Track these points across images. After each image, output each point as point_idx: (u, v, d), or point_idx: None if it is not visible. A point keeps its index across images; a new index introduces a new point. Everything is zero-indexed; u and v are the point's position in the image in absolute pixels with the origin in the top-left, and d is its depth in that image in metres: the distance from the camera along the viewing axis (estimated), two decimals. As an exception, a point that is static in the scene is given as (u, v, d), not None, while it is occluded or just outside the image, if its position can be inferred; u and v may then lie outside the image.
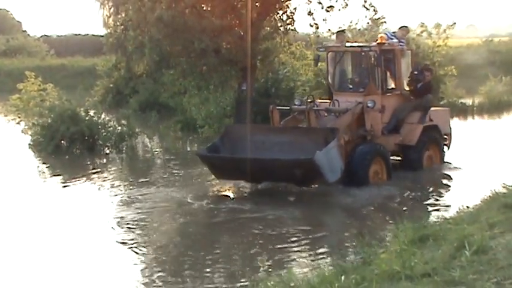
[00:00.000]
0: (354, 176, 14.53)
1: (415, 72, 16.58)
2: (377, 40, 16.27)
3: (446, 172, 16.47)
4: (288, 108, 16.61)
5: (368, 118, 15.38)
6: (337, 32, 18.12)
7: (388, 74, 16.38)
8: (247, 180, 15.13)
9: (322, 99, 17.17)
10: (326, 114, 15.87)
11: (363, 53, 16.42)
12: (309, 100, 15.91)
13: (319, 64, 18.55)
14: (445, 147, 17.20)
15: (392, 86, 16.45)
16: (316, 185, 14.78)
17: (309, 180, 14.28)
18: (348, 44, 17.48)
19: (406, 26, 17.40)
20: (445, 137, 17.17)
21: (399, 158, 16.45)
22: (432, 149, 16.71)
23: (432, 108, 17.05)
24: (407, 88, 16.59)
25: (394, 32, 17.06)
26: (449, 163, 17.01)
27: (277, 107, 16.41)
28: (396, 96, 16.40)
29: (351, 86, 16.74)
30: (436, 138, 16.80)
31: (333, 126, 14.79)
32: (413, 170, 16.06)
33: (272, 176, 14.51)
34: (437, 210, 12.64)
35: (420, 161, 16.29)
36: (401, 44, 16.55)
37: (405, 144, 16.15)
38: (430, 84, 17.04)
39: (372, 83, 15.92)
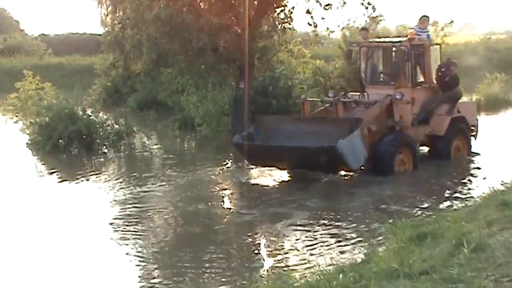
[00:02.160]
0: (380, 165, 15.34)
1: (443, 69, 17.25)
2: (407, 35, 17.11)
3: (463, 166, 16.92)
4: (320, 100, 17.76)
5: (396, 110, 16.10)
6: (361, 29, 19.31)
7: (417, 67, 17.11)
8: (278, 167, 16.06)
9: (354, 92, 17.67)
10: (354, 106, 16.62)
11: (394, 48, 17.43)
12: (342, 93, 16.96)
13: (351, 59, 18.95)
14: (472, 138, 17.80)
15: (422, 79, 17.18)
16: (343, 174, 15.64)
17: (334, 166, 15.03)
18: (379, 40, 18.72)
19: (426, 16, 18.00)
20: (472, 128, 17.80)
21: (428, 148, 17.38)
22: (460, 139, 17.37)
23: (459, 101, 17.66)
24: (435, 81, 17.27)
25: (420, 27, 17.63)
26: (478, 154, 17.64)
27: (308, 99, 17.66)
28: (425, 89, 17.16)
29: (382, 80, 17.61)
30: (464, 129, 17.48)
31: (359, 117, 15.60)
32: (442, 159, 16.81)
33: (300, 163, 15.43)
34: (436, 207, 12.60)
35: (448, 151, 17.00)
36: (429, 34, 17.59)
37: (434, 135, 16.89)
38: (457, 78, 17.51)
39: (402, 77, 16.68)
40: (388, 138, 15.63)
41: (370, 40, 18.11)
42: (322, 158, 14.52)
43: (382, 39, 19.08)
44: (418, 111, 16.81)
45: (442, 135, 16.86)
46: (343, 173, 15.72)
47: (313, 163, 14.90)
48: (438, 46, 18.23)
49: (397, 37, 19.57)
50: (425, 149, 17.56)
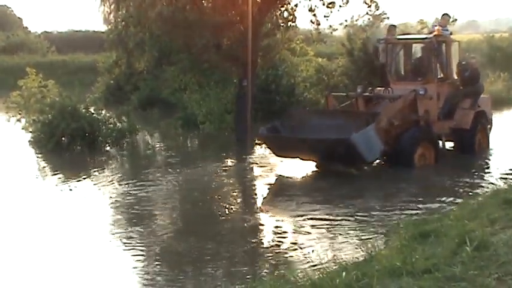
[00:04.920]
0: (400, 158, 15.82)
1: (463, 62, 17.76)
2: (433, 32, 17.61)
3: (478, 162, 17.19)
4: (345, 94, 18.17)
5: (420, 104, 16.48)
6: (389, 26, 19.51)
7: (439, 64, 17.48)
8: (301, 159, 16.17)
9: (381, 87, 17.95)
10: (377, 101, 17.15)
11: (421, 45, 17.96)
12: (370, 88, 17.60)
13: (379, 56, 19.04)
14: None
15: (441, 75, 17.53)
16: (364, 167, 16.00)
17: (350, 159, 15.16)
18: (406, 36, 19.17)
19: (447, 14, 18.66)
20: None
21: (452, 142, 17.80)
22: (481, 133, 17.83)
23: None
24: (456, 77, 17.68)
25: (441, 24, 18.16)
26: (492, 149, 18.16)
27: (332, 93, 18.22)
28: (448, 84, 17.53)
29: (408, 75, 18.04)
30: (484, 123, 18.00)
31: (380, 111, 16.10)
32: (467, 153, 17.25)
33: (317, 155, 15.70)
34: (440, 206, 12.57)
35: (473, 144, 17.48)
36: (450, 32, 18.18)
37: (459, 128, 17.31)
38: (478, 72, 17.96)
39: (430, 73, 17.18)
40: (408, 133, 16.04)
41: (396, 37, 18.49)
42: (337, 150, 14.85)
43: (407, 36, 19.51)
44: (442, 106, 17.24)
45: (468, 128, 17.29)
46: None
47: (330, 155, 15.22)
48: (457, 43, 18.49)
49: (417, 34, 20.15)
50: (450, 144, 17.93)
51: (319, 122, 16.25)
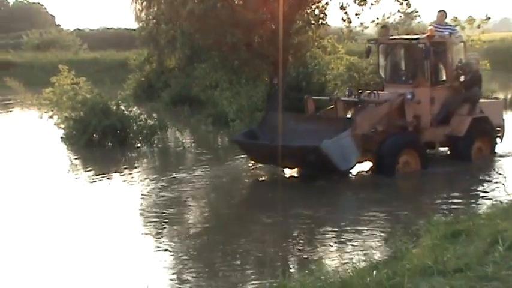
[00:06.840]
0: (381, 165, 15.02)
1: (460, 65, 16.69)
2: (427, 32, 16.52)
3: (489, 165, 16.53)
4: (328, 98, 17.56)
5: (408, 110, 15.58)
6: (382, 26, 19.01)
7: (440, 66, 16.59)
8: (276, 165, 15.71)
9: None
10: (360, 106, 16.17)
11: (412, 46, 16.75)
12: (359, 91, 16.81)
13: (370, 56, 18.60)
14: (498, 139, 17.32)
15: (444, 78, 16.66)
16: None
17: (323, 166, 14.39)
18: (398, 37, 18.23)
19: (442, 10, 17.46)
20: (498, 128, 17.26)
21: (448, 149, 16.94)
22: (482, 140, 16.76)
23: (483, 100, 17.25)
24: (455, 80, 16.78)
25: (438, 23, 17.22)
26: (508, 155, 17.25)
27: (312, 97, 17.17)
28: (446, 88, 16.58)
29: (401, 78, 17.15)
30: (487, 130, 16.87)
31: (363, 115, 15.26)
32: (462, 160, 16.26)
33: (293, 162, 15.20)
34: (469, 205, 12.49)
35: (468, 152, 16.41)
36: (451, 31, 16.85)
37: (454, 135, 16.37)
38: (478, 76, 16.90)
39: (420, 75, 16.26)
40: (390, 139, 15.17)
41: (390, 37, 17.59)
42: (311, 158, 14.25)
43: (401, 36, 18.72)
44: (438, 111, 16.31)
45: (462, 136, 16.30)
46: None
47: (304, 162, 14.74)
48: (462, 44, 17.47)
49: (417, 34, 19.17)
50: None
51: (298, 127, 15.36)
